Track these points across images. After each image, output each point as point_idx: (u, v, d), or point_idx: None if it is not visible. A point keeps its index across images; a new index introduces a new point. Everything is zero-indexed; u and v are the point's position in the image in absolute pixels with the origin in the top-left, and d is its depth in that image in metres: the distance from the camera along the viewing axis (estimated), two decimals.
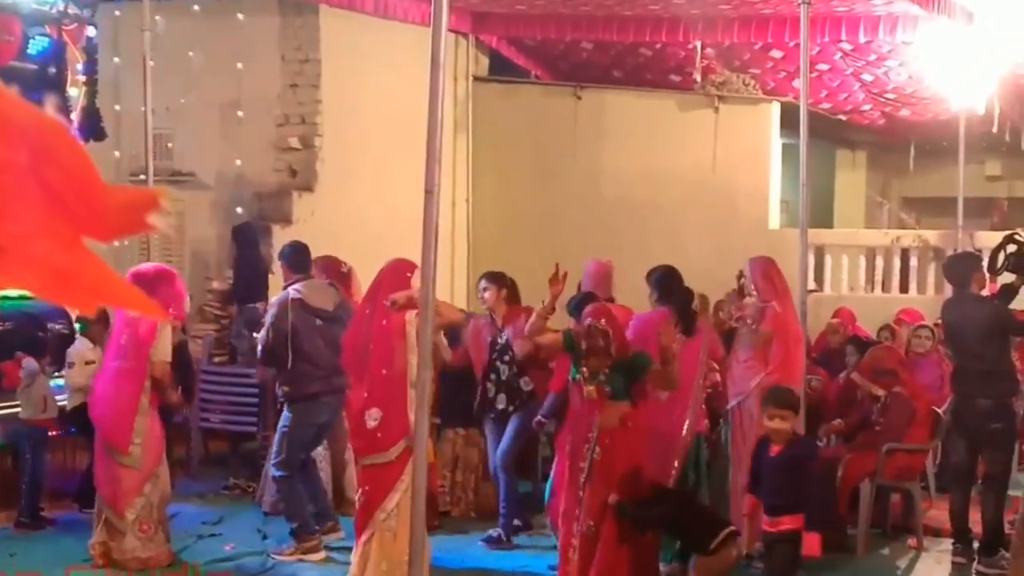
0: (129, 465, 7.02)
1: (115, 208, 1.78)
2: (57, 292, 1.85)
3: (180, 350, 9.03)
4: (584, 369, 6.20)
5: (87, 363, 8.39)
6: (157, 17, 10.87)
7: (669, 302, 7.03)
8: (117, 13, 11.94)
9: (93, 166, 1.75)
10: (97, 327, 8.55)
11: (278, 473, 7.58)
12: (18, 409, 8.30)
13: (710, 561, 6.22)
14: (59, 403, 8.52)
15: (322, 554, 7.46)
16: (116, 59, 12.12)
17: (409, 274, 6.20)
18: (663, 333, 6.58)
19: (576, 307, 6.92)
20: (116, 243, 8.20)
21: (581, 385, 6.23)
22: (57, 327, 9.40)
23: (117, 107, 11.70)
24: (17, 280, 1.77)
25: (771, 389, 6.37)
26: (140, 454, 7.02)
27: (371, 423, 6.04)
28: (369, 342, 6.13)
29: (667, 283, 7.19)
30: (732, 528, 6.29)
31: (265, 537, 7.83)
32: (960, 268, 8.10)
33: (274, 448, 7.70)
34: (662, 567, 6.66)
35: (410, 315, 6.06)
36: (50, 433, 8.45)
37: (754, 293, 7.58)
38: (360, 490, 6.24)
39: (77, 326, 9.73)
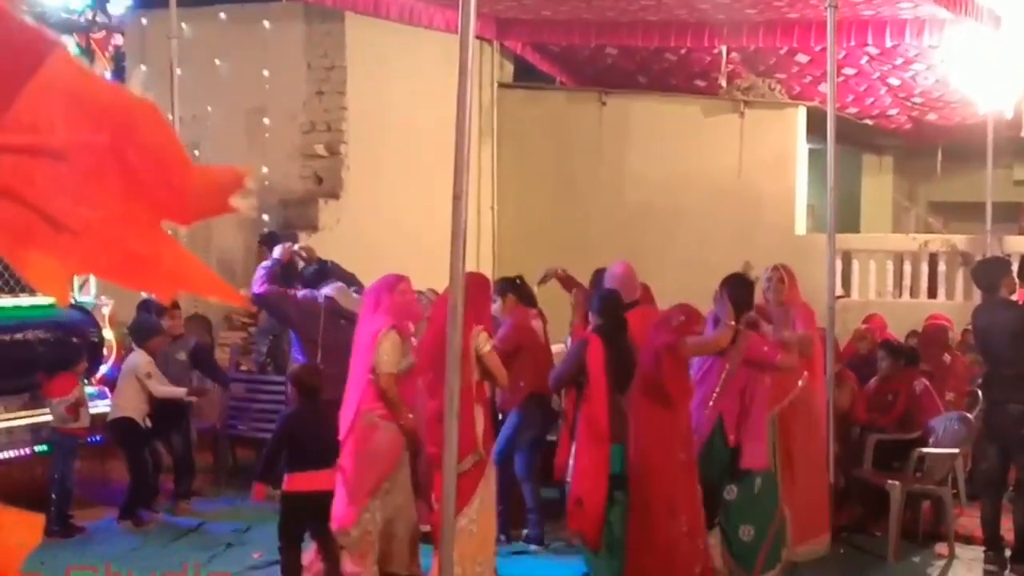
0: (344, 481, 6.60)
1: (198, 190, 1.76)
2: (133, 277, 1.81)
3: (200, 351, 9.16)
4: None
5: (148, 376, 8.49)
6: (184, 25, 10.95)
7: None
8: (144, 21, 12.04)
9: (179, 146, 1.73)
10: (155, 340, 8.62)
11: None
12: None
13: None
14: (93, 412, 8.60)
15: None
16: (143, 67, 12.21)
17: (486, 292, 6.36)
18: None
19: (597, 302, 6.98)
20: None
21: None
22: (87, 335, 9.44)
23: None
24: (91, 265, 1.76)
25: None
26: (353, 468, 6.51)
27: None
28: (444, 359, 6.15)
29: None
30: None
31: None
32: (989, 273, 8.04)
33: None
34: None
35: (475, 331, 6.18)
36: (81, 441, 8.51)
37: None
38: (437, 497, 6.23)
39: (105, 335, 9.82)
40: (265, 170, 12.00)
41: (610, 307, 6.98)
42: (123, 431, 8.53)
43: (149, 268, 1.73)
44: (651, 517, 6.42)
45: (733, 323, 6.67)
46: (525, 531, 7.99)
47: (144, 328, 8.63)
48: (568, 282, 8.36)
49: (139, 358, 8.58)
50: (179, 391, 8.70)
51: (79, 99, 1.67)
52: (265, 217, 11.72)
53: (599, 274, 8.23)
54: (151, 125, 1.71)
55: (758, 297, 7.59)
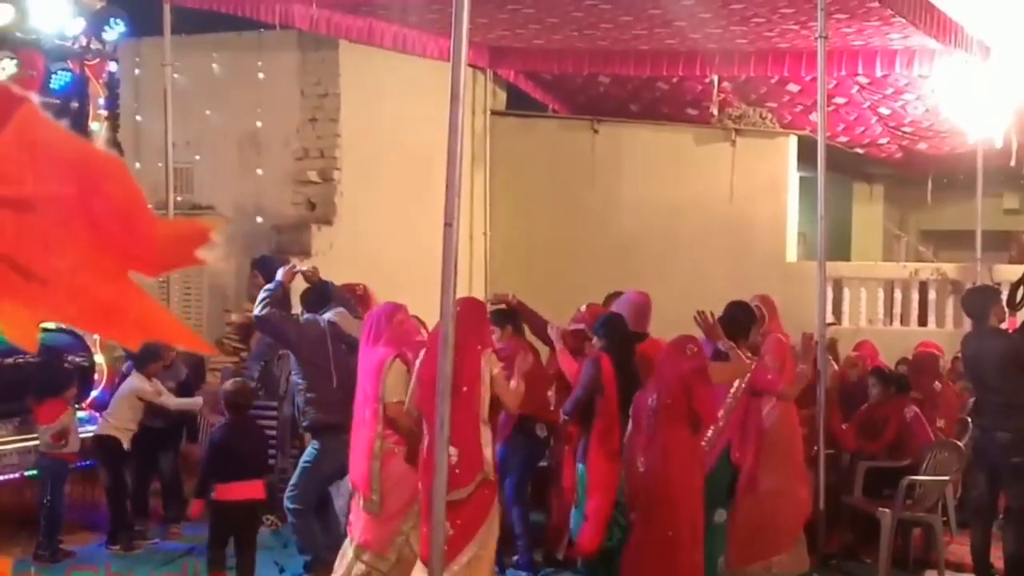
0: (369, 511, 6.63)
1: (164, 241, 1.78)
2: (101, 325, 1.84)
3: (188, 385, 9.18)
4: None
5: (158, 394, 8.54)
6: (178, 52, 11.00)
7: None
8: (138, 48, 12.08)
9: (143, 199, 1.75)
10: (154, 365, 8.63)
11: (292, 505, 7.55)
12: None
13: None
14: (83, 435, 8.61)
15: None
16: (137, 93, 12.26)
17: (485, 315, 6.56)
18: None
19: (600, 326, 7.03)
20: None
21: None
22: (77, 360, 9.44)
23: (138, 141, 11.80)
24: (60, 314, 1.77)
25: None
26: (378, 500, 6.57)
27: (452, 459, 6.08)
28: (455, 383, 6.17)
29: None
30: None
31: (282, 570, 7.82)
32: (978, 301, 8.09)
33: (292, 479, 7.71)
34: None
35: (486, 355, 6.25)
36: (70, 466, 8.49)
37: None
38: (452, 522, 6.20)
39: (96, 359, 9.82)
40: (257, 196, 12.04)
41: (614, 329, 7.03)
42: (106, 449, 8.52)
43: (117, 317, 1.75)
44: (678, 547, 6.39)
45: (734, 346, 6.76)
46: (515, 558, 7.98)
47: (147, 352, 8.64)
48: (521, 308, 8.33)
49: (141, 382, 8.58)
50: (195, 401, 8.73)
51: (47, 152, 1.70)
52: (257, 243, 11.71)
53: (613, 297, 8.31)
54: (117, 179, 1.74)
55: None
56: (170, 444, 8.97)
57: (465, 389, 6.11)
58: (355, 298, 8.24)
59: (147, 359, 8.63)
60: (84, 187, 1.69)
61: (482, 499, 6.19)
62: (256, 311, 7.69)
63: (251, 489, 7.05)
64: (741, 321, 7.18)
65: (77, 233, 1.69)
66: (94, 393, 9.55)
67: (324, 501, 7.72)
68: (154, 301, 1.79)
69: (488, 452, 6.22)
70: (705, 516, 6.73)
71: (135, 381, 8.61)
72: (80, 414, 8.86)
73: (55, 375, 8.64)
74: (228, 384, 7.54)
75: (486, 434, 6.22)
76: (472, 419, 6.13)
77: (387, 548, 6.55)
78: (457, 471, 6.05)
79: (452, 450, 6.05)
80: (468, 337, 6.12)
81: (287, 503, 7.64)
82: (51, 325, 9.19)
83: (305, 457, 7.66)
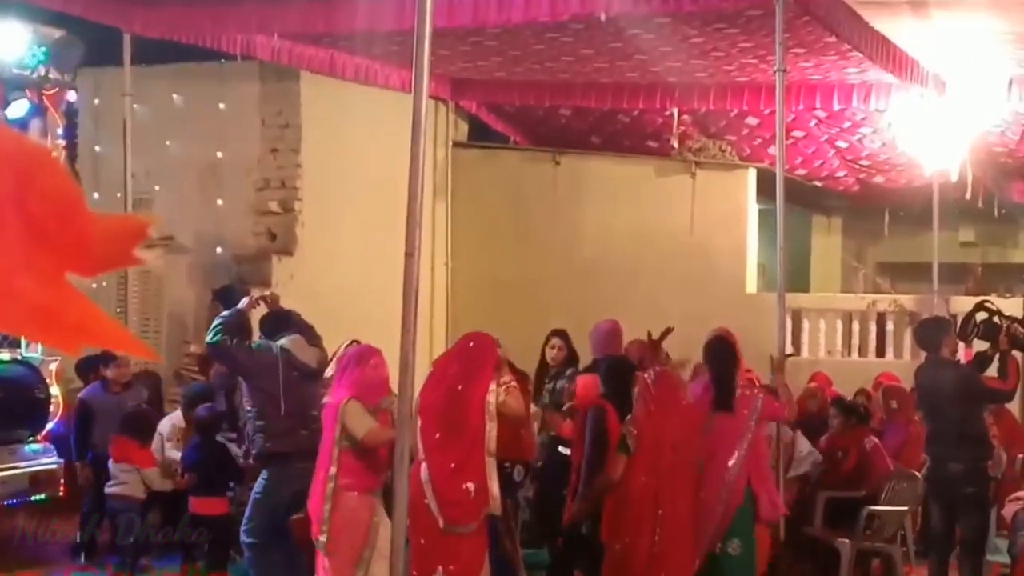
0: (319, 549, 6.47)
1: (101, 239, 1.69)
2: (38, 330, 1.75)
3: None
4: None
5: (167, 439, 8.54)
6: (137, 82, 10.95)
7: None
8: (98, 77, 12.03)
9: (79, 194, 1.66)
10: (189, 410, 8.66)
11: (247, 540, 7.42)
12: None
13: None
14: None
15: None
16: (96, 123, 12.19)
17: (494, 351, 6.47)
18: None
19: (607, 372, 7.07)
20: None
21: None
22: (34, 392, 9.31)
23: (97, 171, 11.73)
24: None
25: None
26: (325, 541, 6.40)
27: (472, 495, 6.16)
28: (465, 416, 6.21)
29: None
30: None
31: None
32: (930, 333, 8.17)
33: (246, 513, 7.61)
34: None
35: (491, 388, 6.27)
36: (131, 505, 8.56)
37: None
38: (444, 566, 6.14)
39: (52, 391, 9.69)
40: (218, 226, 11.99)
41: (620, 376, 7.06)
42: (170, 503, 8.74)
43: (53, 321, 1.65)
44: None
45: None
46: None
47: (198, 394, 8.82)
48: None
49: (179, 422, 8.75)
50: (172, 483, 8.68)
51: None
52: (217, 274, 11.66)
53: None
54: (50, 172, 1.64)
55: None
56: None
57: (474, 423, 6.16)
58: None
59: (197, 401, 8.66)
60: (17, 182, 1.59)
61: (483, 534, 6.22)
62: (208, 338, 7.61)
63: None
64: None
65: (11, 232, 1.59)
66: (49, 425, 9.41)
67: (284, 532, 7.62)
68: (91, 304, 1.70)
69: (495, 486, 6.23)
70: (721, 546, 6.67)
71: (175, 420, 8.77)
72: (34, 446, 8.70)
73: (147, 416, 8.83)
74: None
75: (491, 468, 6.23)
76: (480, 453, 6.18)
77: None
78: (471, 505, 6.11)
79: (470, 485, 6.15)
80: (477, 372, 6.22)
81: (243, 537, 7.50)
82: (6, 356, 9.06)
83: (256, 489, 7.52)
